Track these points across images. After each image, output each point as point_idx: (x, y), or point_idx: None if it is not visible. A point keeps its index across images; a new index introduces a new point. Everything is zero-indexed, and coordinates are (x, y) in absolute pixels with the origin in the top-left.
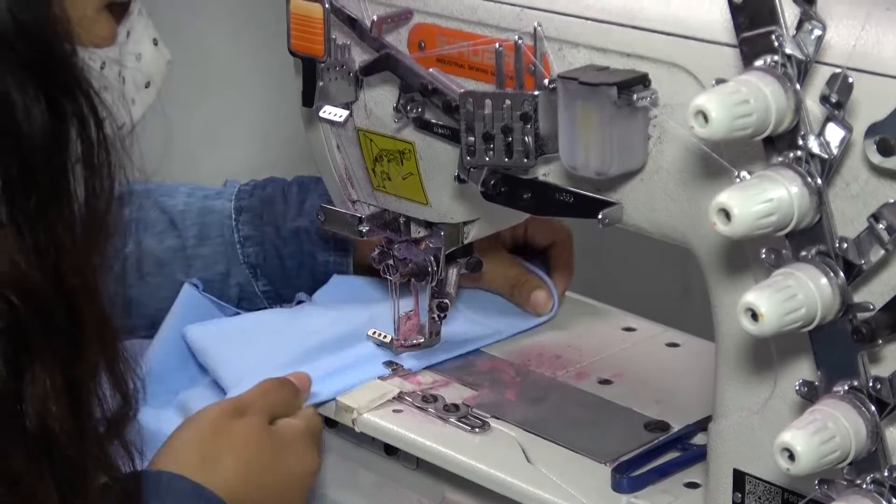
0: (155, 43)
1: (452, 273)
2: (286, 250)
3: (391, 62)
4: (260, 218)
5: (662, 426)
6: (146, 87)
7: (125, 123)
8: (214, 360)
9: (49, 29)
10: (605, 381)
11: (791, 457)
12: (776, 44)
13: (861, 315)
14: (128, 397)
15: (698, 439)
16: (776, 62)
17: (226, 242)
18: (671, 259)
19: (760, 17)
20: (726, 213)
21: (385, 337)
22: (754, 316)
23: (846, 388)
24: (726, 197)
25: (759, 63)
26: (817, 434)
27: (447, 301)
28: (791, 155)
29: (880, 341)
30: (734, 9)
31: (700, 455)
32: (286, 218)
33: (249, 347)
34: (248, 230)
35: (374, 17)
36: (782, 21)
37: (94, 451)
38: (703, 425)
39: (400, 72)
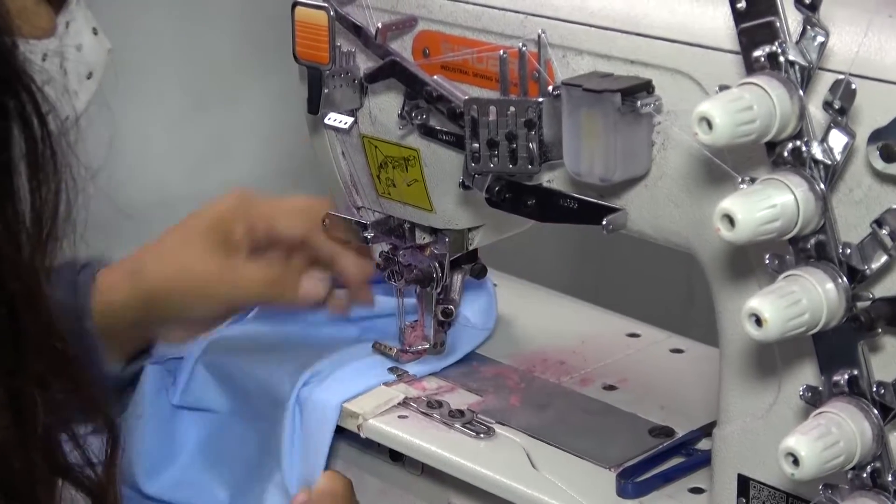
0: (95, 32)
1: (457, 279)
2: None
3: (396, 69)
4: None
5: (667, 432)
6: (88, 77)
7: (69, 116)
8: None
9: None
10: (610, 387)
11: (795, 462)
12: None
13: (860, 304)
14: (94, 405)
15: (703, 444)
16: (779, 64)
17: None
18: (675, 265)
19: (759, 8)
20: (730, 219)
21: (391, 349)
22: (758, 321)
23: (846, 378)
24: (730, 203)
25: (758, 53)
26: (821, 439)
27: (452, 307)
28: (795, 161)
29: (879, 330)
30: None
31: (704, 460)
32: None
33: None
34: None
35: (379, 25)
36: (785, 27)
37: (43, 460)
38: (707, 431)
39: (405, 79)
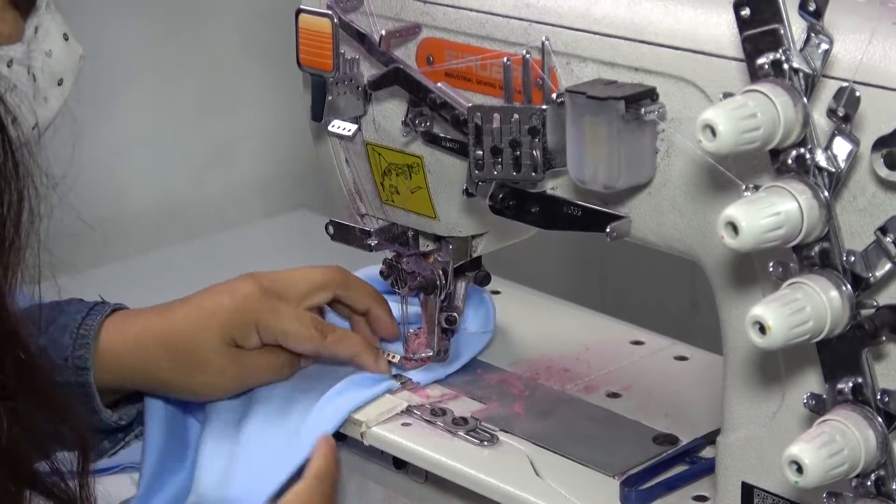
0: (65, 38)
1: (461, 287)
2: None
3: (400, 76)
4: None
5: (671, 439)
6: (59, 84)
7: (36, 124)
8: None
9: None
10: (614, 395)
11: (799, 470)
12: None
13: (864, 312)
14: (62, 417)
15: (707, 452)
16: (783, 71)
17: None
18: (680, 272)
19: (764, 16)
20: (734, 227)
21: (394, 358)
22: (762, 329)
23: (850, 386)
24: (734, 210)
25: (762, 60)
26: (825, 447)
27: (456, 315)
28: (798, 168)
29: (883, 338)
30: (737, 6)
31: (708, 468)
32: None
33: None
34: None
35: (383, 32)
36: (789, 35)
37: (9, 471)
38: (711, 438)
39: (408, 86)
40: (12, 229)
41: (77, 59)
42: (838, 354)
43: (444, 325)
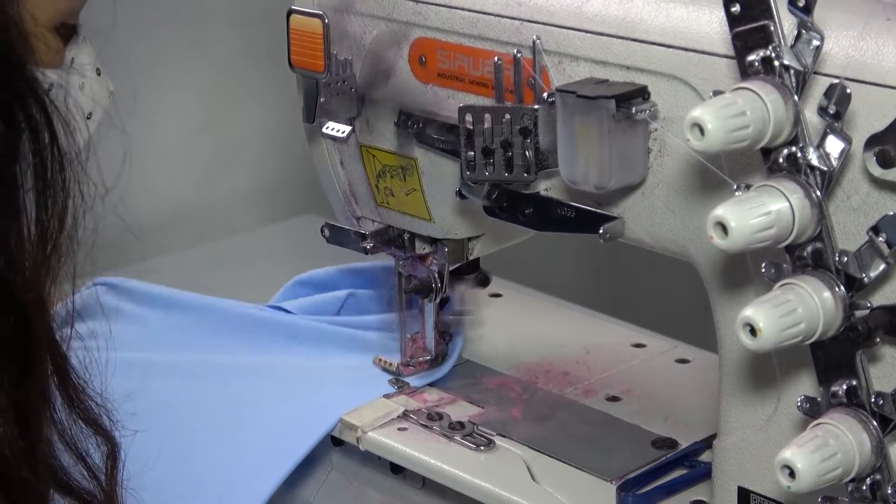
0: (98, 73)
1: (462, 289)
2: None
3: (392, 79)
4: None
5: (670, 443)
6: (88, 117)
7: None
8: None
9: (4, 29)
10: (613, 398)
11: (792, 474)
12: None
13: (858, 313)
14: (92, 420)
15: (706, 456)
16: (774, 68)
17: None
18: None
19: (754, 12)
20: (723, 227)
21: (391, 365)
22: (753, 331)
23: (844, 389)
24: (723, 210)
25: (752, 57)
26: (818, 451)
27: (453, 317)
28: (790, 167)
29: (878, 340)
30: (727, 2)
31: (707, 472)
32: None
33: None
34: None
35: (375, 32)
36: (780, 31)
37: (49, 472)
38: (710, 442)
39: (399, 89)
40: (55, 236)
41: (107, 95)
42: (832, 357)
43: (441, 329)
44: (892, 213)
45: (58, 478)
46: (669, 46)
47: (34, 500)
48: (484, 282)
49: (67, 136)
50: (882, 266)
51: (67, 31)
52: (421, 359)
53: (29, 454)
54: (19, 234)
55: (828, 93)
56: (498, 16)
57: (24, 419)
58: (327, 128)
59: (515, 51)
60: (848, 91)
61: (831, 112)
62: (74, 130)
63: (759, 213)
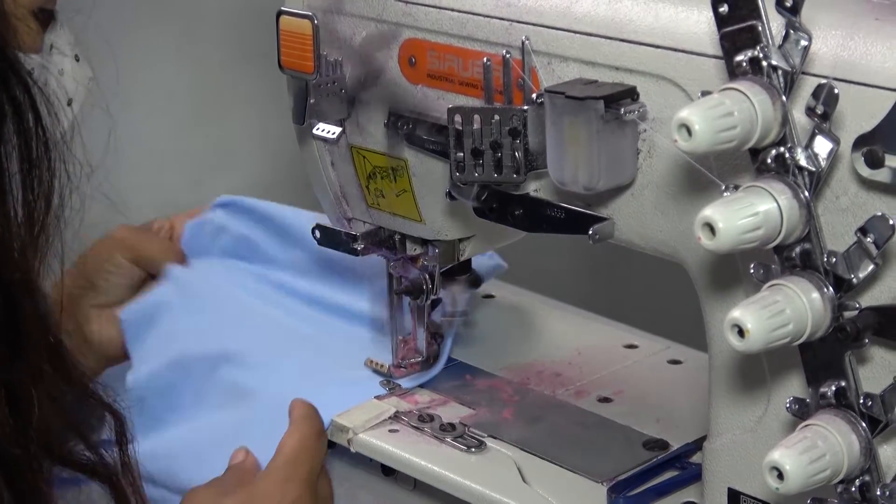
0: (77, 59)
1: (455, 291)
2: None
3: (381, 80)
4: None
5: (662, 444)
6: (68, 104)
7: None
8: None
9: None
10: (605, 399)
11: (780, 476)
12: (758, 41)
13: (847, 314)
14: (92, 397)
15: (697, 458)
16: (762, 69)
17: None
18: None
19: (741, 13)
20: (711, 228)
21: (382, 366)
22: (741, 332)
23: (833, 390)
24: (710, 211)
25: (740, 58)
26: (806, 452)
27: (445, 318)
28: (779, 168)
29: (866, 340)
30: (715, 2)
31: (698, 474)
32: None
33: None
34: None
35: (365, 34)
36: (768, 31)
37: (43, 451)
38: (701, 444)
39: (389, 90)
40: (42, 216)
41: (86, 82)
42: (821, 358)
43: (433, 330)
44: (880, 213)
45: (61, 454)
46: (658, 47)
47: (30, 478)
48: (475, 283)
49: (52, 116)
50: (870, 267)
51: (45, 17)
52: (412, 360)
53: (20, 434)
54: (6, 215)
55: (816, 93)
56: (487, 17)
57: (15, 399)
58: (317, 129)
59: (505, 51)
60: (836, 91)
61: (819, 112)
62: (59, 111)
63: (746, 213)
